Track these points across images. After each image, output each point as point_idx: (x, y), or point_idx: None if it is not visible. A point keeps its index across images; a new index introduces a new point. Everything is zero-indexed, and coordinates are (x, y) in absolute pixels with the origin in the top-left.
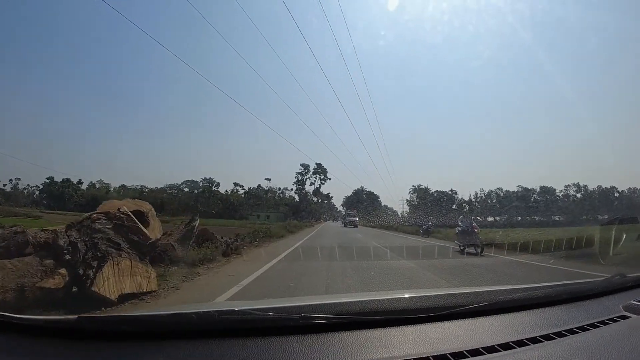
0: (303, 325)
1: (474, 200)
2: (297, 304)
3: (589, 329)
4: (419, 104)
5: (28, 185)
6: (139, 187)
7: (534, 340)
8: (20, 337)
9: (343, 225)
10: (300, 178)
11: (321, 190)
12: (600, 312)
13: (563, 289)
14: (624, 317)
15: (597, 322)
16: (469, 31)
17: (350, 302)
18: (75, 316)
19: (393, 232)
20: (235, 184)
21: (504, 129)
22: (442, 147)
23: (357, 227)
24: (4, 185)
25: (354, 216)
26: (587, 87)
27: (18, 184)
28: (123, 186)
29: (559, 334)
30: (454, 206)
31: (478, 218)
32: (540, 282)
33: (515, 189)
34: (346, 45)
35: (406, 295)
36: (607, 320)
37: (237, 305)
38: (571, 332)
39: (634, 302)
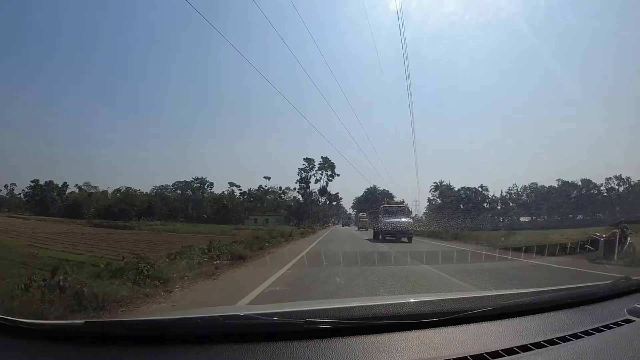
0: (308, 330)
1: (507, 197)
2: (301, 309)
3: (594, 333)
4: (451, 102)
5: (23, 190)
6: (124, 189)
7: (538, 345)
8: (28, 342)
9: (372, 234)
10: (303, 175)
11: (328, 189)
12: (604, 316)
13: (567, 293)
14: (628, 321)
15: (601, 327)
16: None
17: (354, 307)
18: (82, 321)
19: (466, 245)
20: (231, 184)
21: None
22: (463, 143)
23: (410, 240)
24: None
25: (404, 212)
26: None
27: (14, 189)
28: (118, 189)
29: (563, 339)
30: (485, 204)
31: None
32: (545, 286)
33: (555, 184)
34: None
35: (411, 300)
36: (611, 324)
37: (242, 310)
38: (575, 336)
39: (638, 306)
